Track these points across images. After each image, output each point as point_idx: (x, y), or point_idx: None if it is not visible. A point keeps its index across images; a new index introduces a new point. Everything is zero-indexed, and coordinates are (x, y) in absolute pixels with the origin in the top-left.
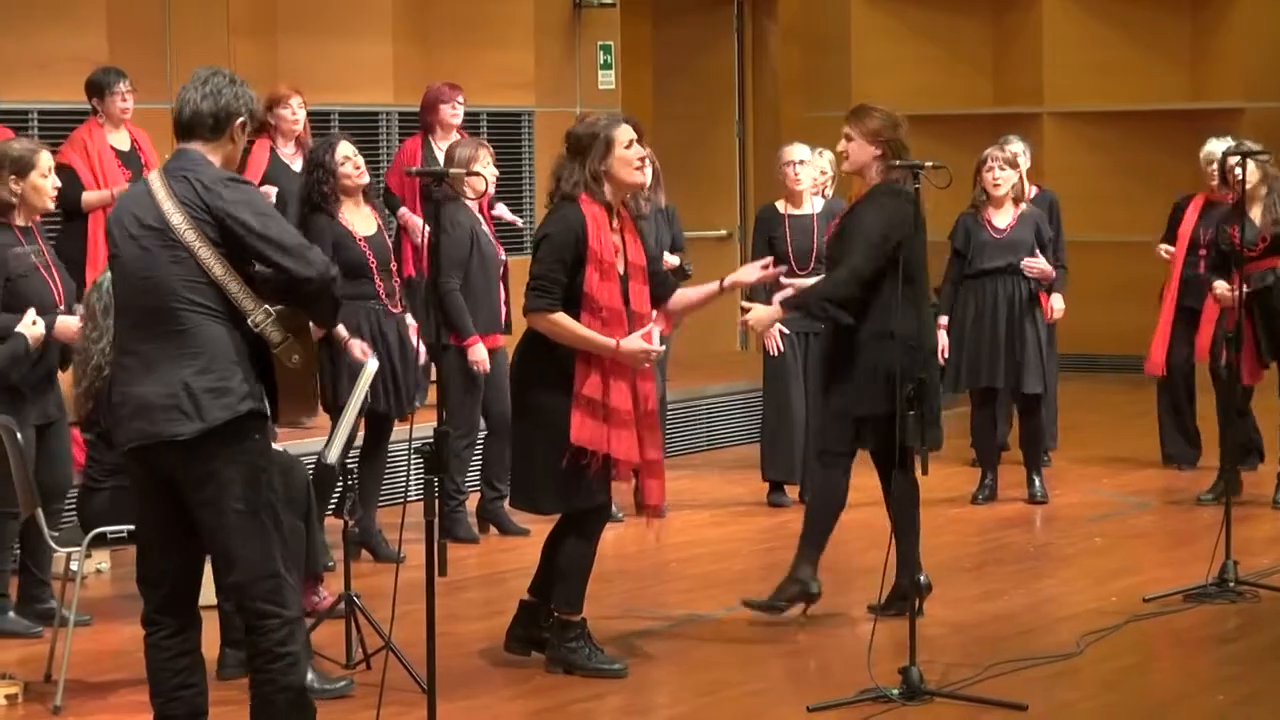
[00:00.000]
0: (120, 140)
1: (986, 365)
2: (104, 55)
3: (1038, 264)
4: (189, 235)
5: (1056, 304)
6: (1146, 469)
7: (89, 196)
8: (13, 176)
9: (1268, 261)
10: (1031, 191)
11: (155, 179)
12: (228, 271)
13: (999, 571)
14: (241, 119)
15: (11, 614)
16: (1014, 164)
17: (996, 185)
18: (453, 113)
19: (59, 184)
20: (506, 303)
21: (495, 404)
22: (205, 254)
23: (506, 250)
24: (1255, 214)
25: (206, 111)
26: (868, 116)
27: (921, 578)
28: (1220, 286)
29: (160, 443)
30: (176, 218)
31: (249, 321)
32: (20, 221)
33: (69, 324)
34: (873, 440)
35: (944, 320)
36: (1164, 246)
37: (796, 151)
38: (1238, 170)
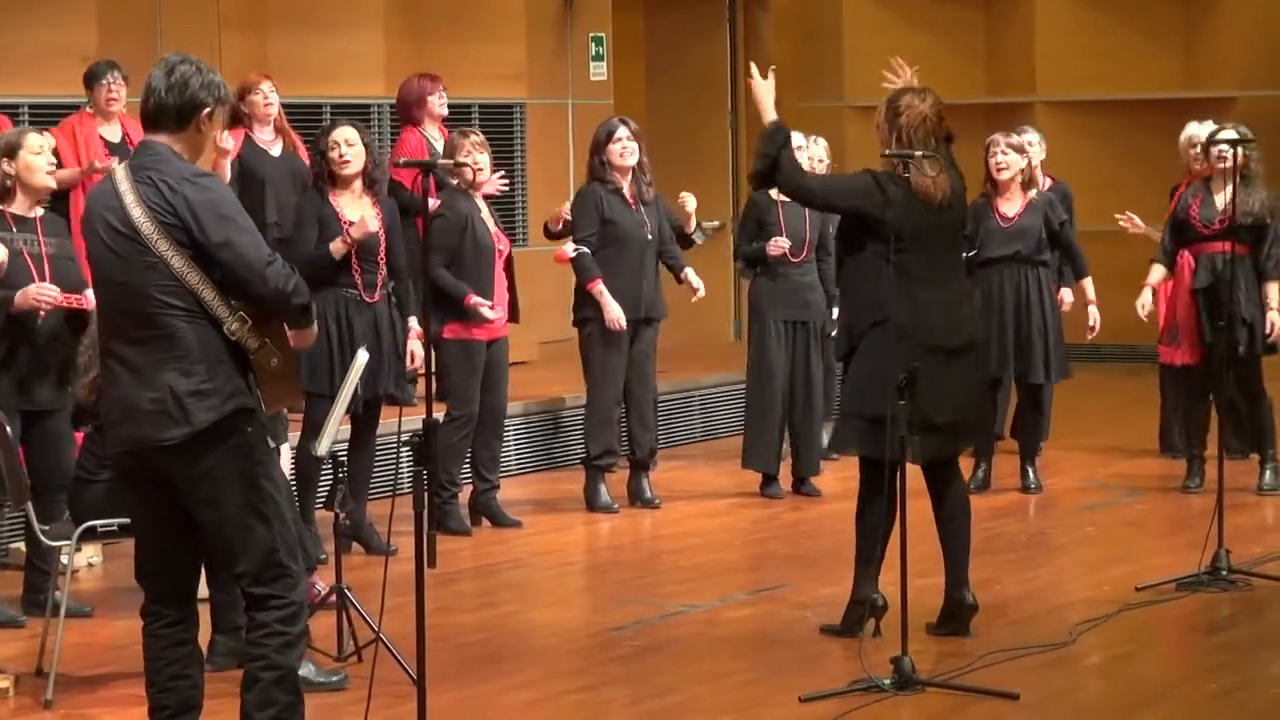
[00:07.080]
0: (111, 132)
1: (995, 356)
2: (94, 48)
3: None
4: (160, 245)
5: (1089, 288)
6: (1140, 458)
7: (59, 174)
8: (4, 159)
9: (1221, 244)
10: (1046, 183)
11: (122, 177)
12: (201, 279)
13: (992, 561)
14: (208, 109)
15: None
16: (1019, 149)
17: (1001, 170)
18: (441, 103)
19: (54, 161)
20: (511, 292)
21: (491, 395)
22: (178, 263)
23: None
24: (1218, 196)
25: (171, 104)
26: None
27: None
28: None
29: (151, 447)
30: (146, 226)
31: (224, 329)
32: (19, 209)
33: (28, 294)
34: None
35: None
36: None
37: (797, 137)
38: (1216, 150)
